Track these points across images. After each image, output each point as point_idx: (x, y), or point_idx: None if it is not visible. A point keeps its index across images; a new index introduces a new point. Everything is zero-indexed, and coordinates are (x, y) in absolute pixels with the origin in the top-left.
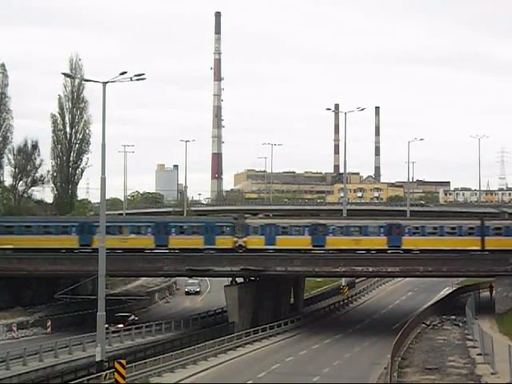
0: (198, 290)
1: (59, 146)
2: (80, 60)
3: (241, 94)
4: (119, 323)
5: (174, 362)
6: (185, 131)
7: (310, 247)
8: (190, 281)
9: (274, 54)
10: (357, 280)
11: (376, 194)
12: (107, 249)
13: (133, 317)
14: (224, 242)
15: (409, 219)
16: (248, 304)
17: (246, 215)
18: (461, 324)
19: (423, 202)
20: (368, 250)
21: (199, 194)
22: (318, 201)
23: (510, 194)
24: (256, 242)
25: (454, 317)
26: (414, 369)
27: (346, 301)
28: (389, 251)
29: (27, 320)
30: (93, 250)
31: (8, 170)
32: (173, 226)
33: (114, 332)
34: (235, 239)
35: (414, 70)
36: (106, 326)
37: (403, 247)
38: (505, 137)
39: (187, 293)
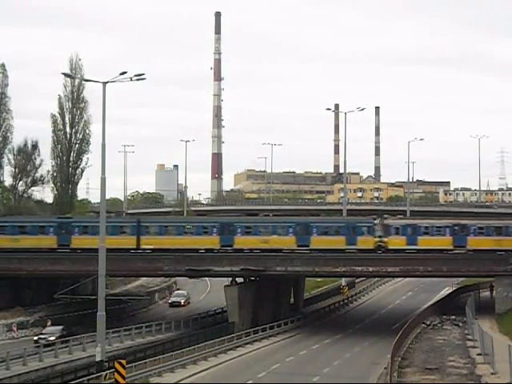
0: (182, 301)
1: (59, 146)
2: (80, 60)
3: (241, 94)
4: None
5: (173, 362)
6: (185, 131)
7: (451, 247)
8: (176, 292)
9: (274, 54)
10: (357, 280)
11: (376, 194)
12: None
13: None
14: (365, 242)
15: None
16: (248, 304)
17: (386, 216)
18: (461, 324)
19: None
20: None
21: (199, 194)
22: (318, 201)
23: (510, 194)
24: (397, 242)
25: (454, 317)
26: (414, 369)
27: (345, 301)
28: None
29: (27, 320)
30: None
31: (8, 170)
32: (314, 226)
33: (114, 332)
34: (376, 239)
35: (414, 70)
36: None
37: None
38: (505, 137)
39: (171, 304)
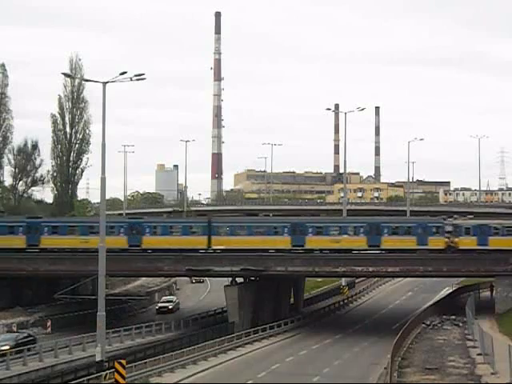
0: (170, 307)
1: (59, 146)
2: (80, 60)
3: (241, 94)
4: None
5: (173, 361)
6: (185, 131)
7: None
8: (164, 297)
9: (274, 54)
10: (357, 280)
11: (376, 194)
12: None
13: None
14: (436, 242)
15: None
16: (248, 304)
17: (455, 216)
18: (461, 324)
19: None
20: None
21: (199, 194)
22: (318, 201)
23: (510, 193)
24: (468, 242)
25: (454, 317)
26: (414, 369)
27: (346, 301)
28: None
29: (27, 320)
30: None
31: (8, 170)
32: (385, 226)
33: (115, 332)
34: (446, 239)
35: (414, 69)
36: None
37: None
38: (505, 137)
39: (158, 310)
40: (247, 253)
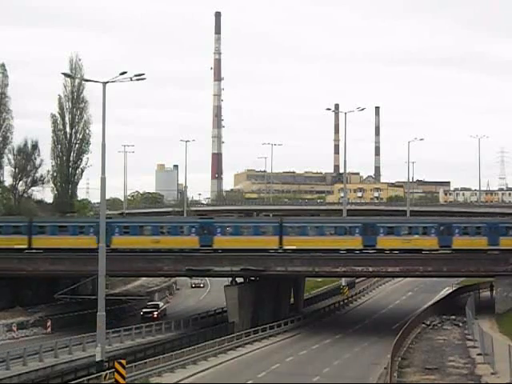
0: (155, 313)
1: (59, 146)
2: (80, 60)
3: (241, 94)
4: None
5: (174, 361)
6: (185, 131)
7: None
8: (151, 303)
9: (274, 54)
10: (357, 280)
11: (376, 194)
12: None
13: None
14: (508, 242)
15: None
16: (248, 304)
17: None
18: (461, 324)
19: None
20: None
21: (199, 194)
22: (318, 201)
23: (510, 193)
24: None
25: (454, 317)
26: (414, 369)
27: (346, 301)
28: None
29: (27, 320)
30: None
31: (8, 169)
32: (456, 227)
33: (115, 332)
34: None
35: (414, 69)
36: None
37: None
38: (505, 137)
39: (142, 317)
40: (247, 253)
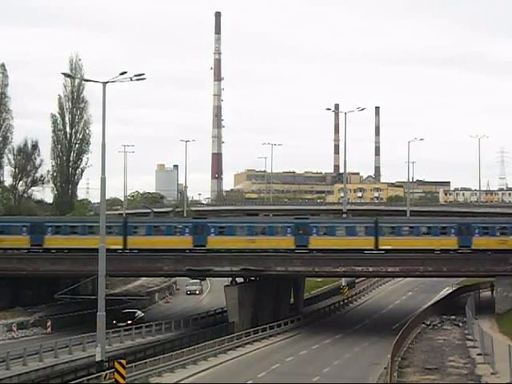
0: (141, 315)
1: (59, 146)
2: (80, 60)
3: (241, 94)
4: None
5: (173, 361)
6: (185, 131)
7: None
8: (126, 310)
9: (274, 54)
10: (357, 280)
11: (376, 194)
12: None
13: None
14: None
15: None
16: (248, 304)
17: None
18: (461, 324)
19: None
20: None
21: (199, 194)
22: (318, 201)
23: (510, 193)
24: None
25: (454, 317)
26: (414, 369)
27: (346, 301)
28: None
29: (27, 320)
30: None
31: (8, 170)
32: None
33: (115, 332)
34: None
35: (414, 69)
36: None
37: None
38: (505, 137)
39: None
40: (247, 253)
